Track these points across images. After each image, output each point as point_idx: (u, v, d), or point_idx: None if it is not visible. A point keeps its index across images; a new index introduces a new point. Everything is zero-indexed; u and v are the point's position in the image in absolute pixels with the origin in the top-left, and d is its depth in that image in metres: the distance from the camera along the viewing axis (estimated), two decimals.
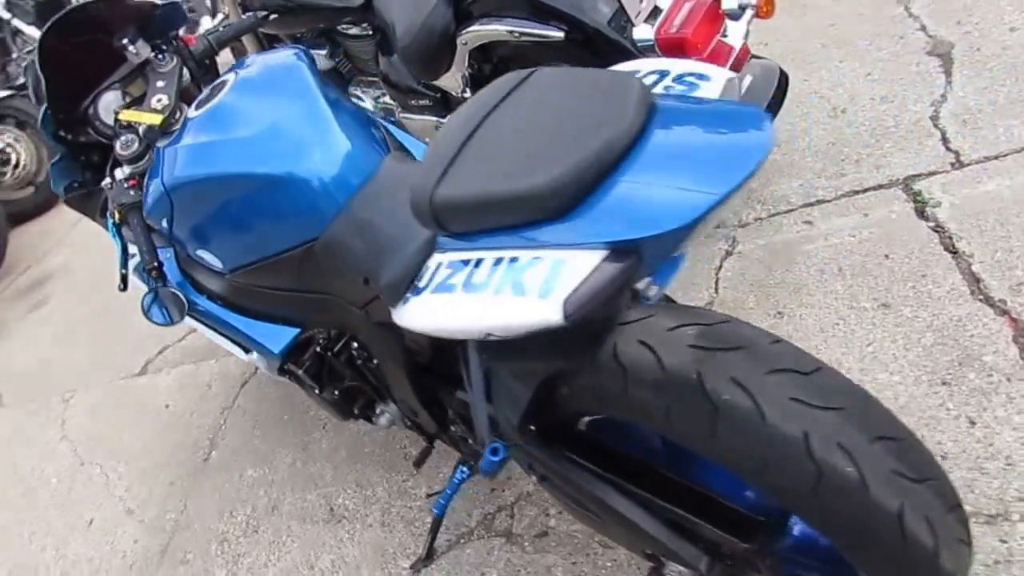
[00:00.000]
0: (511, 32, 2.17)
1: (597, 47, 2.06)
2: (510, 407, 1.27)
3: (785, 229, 2.23)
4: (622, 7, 1.98)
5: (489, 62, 2.40)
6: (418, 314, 1.07)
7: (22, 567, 2.44)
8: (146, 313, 1.62)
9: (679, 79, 1.12)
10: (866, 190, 2.24)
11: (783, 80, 2.16)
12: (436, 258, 1.09)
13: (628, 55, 2.03)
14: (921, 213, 2.09)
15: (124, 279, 1.68)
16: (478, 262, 1.02)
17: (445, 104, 2.61)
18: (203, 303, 1.71)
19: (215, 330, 1.76)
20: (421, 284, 1.09)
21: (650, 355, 1.08)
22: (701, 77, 1.11)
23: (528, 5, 2.12)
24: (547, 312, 0.91)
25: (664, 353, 1.07)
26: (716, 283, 2.18)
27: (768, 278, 2.12)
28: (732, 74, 1.11)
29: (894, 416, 1.06)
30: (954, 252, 1.96)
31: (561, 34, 2.07)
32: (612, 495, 1.26)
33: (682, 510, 1.21)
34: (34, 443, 2.94)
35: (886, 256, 2.02)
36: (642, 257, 0.92)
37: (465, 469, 1.61)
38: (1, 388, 3.35)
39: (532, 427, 1.30)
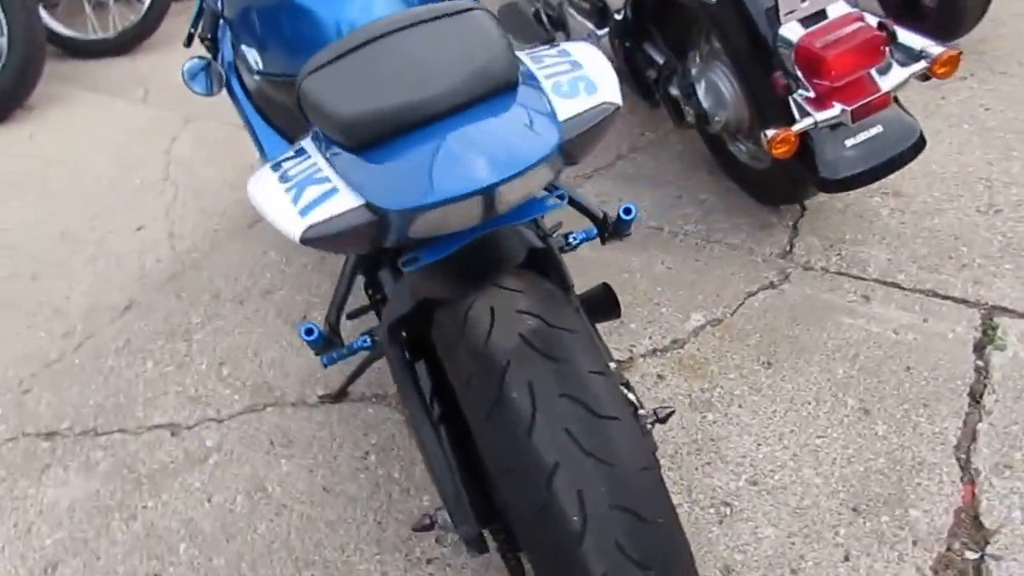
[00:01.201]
0: None
1: (746, 27, 1.93)
2: (395, 308, 1.31)
3: (840, 292, 2.07)
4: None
5: None
6: (254, 181, 1.11)
7: (70, 234, 2.77)
8: (187, 79, 1.73)
9: (576, 79, 1.06)
10: (946, 298, 2.02)
11: (917, 145, 1.94)
12: (304, 140, 1.13)
13: (766, 49, 1.89)
14: (979, 347, 1.88)
15: (190, 37, 1.79)
16: (306, 158, 1.07)
17: (601, 17, 2.53)
18: (239, 91, 1.80)
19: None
20: (277, 156, 1.13)
21: (487, 324, 1.10)
22: (589, 86, 1.05)
23: None
24: (293, 228, 0.98)
25: (497, 329, 1.09)
26: (738, 307, 2.07)
27: (786, 328, 1.99)
28: (615, 103, 1.03)
29: (664, 501, 1.03)
30: (975, 401, 1.76)
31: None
32: (426, 432, 1.28)
33: (461, 474, 1.22)
34: (143, 145, 3.26)
35: (908, 368, 1.84)
36: (389, 221, 0.94)
37: (367, 339, 1.66)
38: (151, 87, 3.70)
39: (404, 334, 1.33)
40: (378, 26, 1.10)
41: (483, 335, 1.08)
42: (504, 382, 1.03)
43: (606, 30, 2.54)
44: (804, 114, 1.80)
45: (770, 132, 1.77)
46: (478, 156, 0.95)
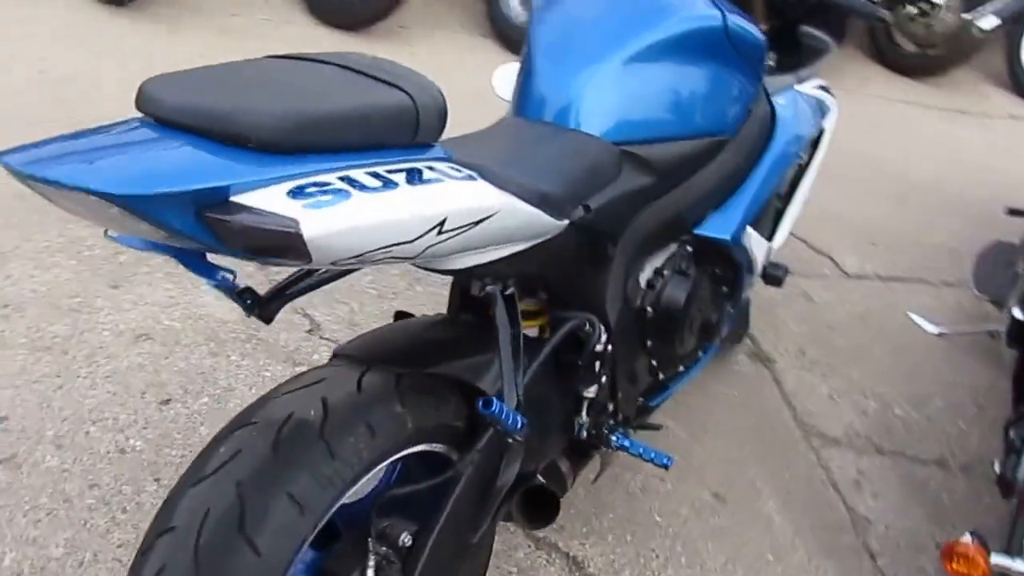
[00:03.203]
0: None
1: None
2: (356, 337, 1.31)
3: None
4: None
5: None
6: None
7: None
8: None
9: (390, 199, 0.90)
10: None
11: None
12: None
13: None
14: None
15: None
16: None
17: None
18: None
19: None
20: None
21: (305, 383, 1.08)
22: (353, 207, 0.86)
23: None
24: None
25: (299, 394, 1.05)
26: None
27: None
28: (296, 228, 0.81)
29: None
30: None
31: None
32: None
33: None
34: None
35: None
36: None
37: None
38: None
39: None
40: (326, 55, 1.03)
41: (292, 387, 1.07)
42: (233, 433, 0.99)
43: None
44: None
45: (965, 539, 1.36)
46: (79, 156, 0.80)
